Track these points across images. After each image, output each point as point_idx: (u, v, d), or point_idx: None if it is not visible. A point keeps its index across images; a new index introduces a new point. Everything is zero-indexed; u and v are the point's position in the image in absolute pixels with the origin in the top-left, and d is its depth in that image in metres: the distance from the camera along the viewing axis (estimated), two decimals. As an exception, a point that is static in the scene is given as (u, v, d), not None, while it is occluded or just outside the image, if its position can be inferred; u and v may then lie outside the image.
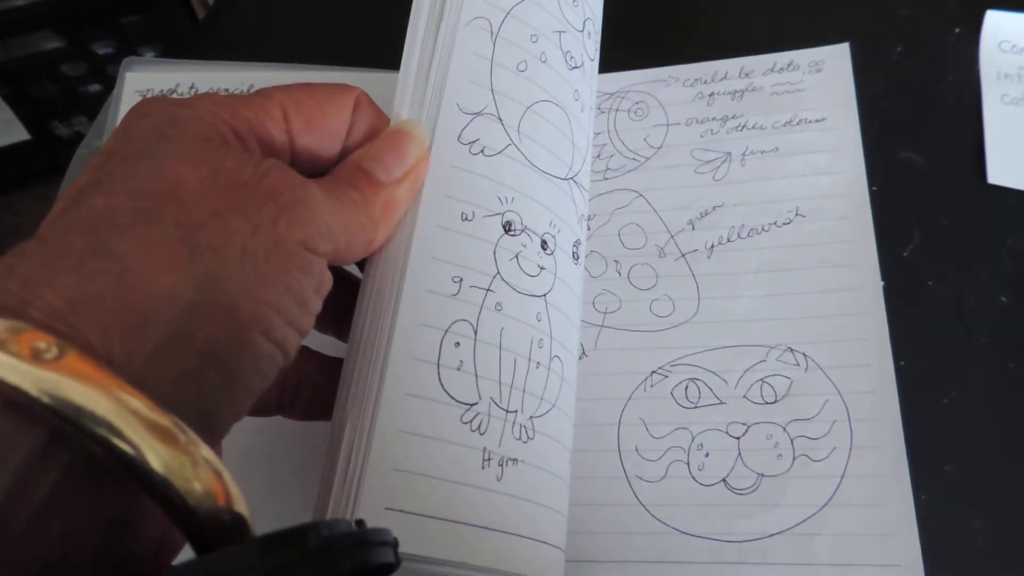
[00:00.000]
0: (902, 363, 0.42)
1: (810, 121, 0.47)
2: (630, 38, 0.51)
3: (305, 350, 0.32)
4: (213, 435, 0.24)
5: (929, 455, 0.41)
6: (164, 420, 0.20)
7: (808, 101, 0.48)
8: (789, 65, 0.49)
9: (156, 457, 0.20)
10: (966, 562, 0.39)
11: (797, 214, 0.44)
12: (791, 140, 0.46)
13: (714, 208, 0.45)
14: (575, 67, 0.36)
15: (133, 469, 0.20)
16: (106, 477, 0.21)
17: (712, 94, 0.48)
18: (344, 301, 0.30)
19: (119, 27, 0.81)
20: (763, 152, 0.46)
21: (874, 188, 0.47)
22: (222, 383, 0.23)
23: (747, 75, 0.49)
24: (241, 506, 0.21)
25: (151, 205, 0.23)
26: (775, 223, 0.44)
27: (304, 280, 0.25)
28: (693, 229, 0.45)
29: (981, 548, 0.39)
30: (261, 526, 0.21)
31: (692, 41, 0.52)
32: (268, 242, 0.24)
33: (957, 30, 0.51)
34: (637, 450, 0.40)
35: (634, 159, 0.47)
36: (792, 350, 0.41)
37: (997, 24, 0.50)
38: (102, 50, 0.86)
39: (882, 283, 0.44)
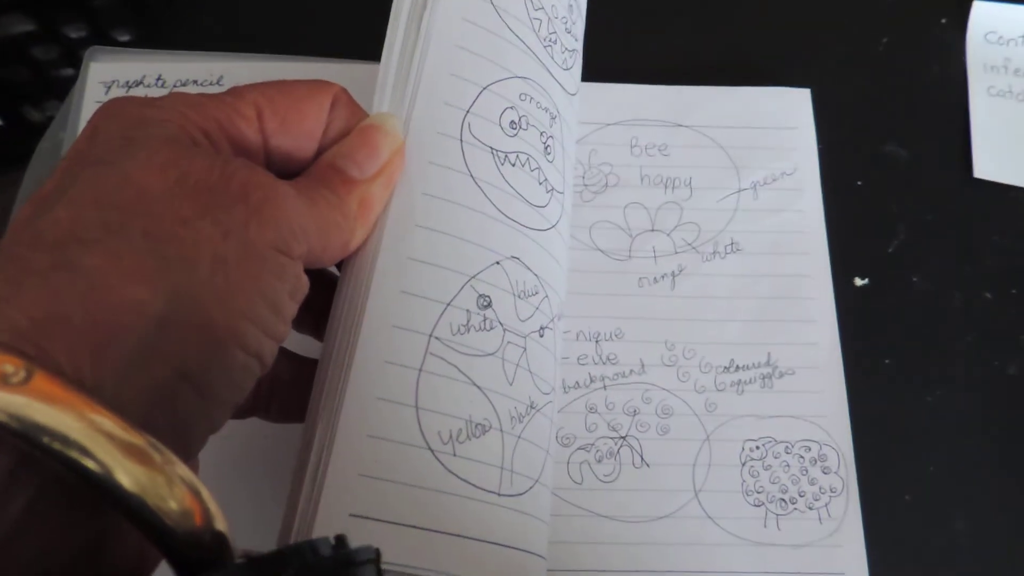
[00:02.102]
0: (887, 361, 0.42)
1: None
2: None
3: (281, 351, 0.31)
4: (189, 450, 0.23)
5: (913, 454, 0.40)
6: (138, 440, 0.19)
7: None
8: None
9: (130, 478, 0.19)
10: (950, 561, 0.38)
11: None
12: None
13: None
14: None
15: (107, 492, 0.19)
16: (79, 498, 0.20)
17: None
18: (324, 302, 0.29)
19: (91, 10, 0.80)
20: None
21: (859, 183, 0.46)
22: (197, 397, 0.23)
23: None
24: (220, 523, 0.20)
25: (117, 216, 0.22)
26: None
27: (278, 285, 0.24)
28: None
29: (964, 548, 0.39)
30: (238, 531, 0.21)
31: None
32: (239, 247, 0.23)
33: (943, 20, 0.50)
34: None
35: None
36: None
37: (984, 14, 0.49)
38: (74, 33, 0.85)
39: (865, 281, 0.44)
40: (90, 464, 0.19)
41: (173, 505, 0.19)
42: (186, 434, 0.23)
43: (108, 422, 0.19)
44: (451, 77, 0.30)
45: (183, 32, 0.50)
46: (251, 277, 0.23)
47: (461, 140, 0.30)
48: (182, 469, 0.20)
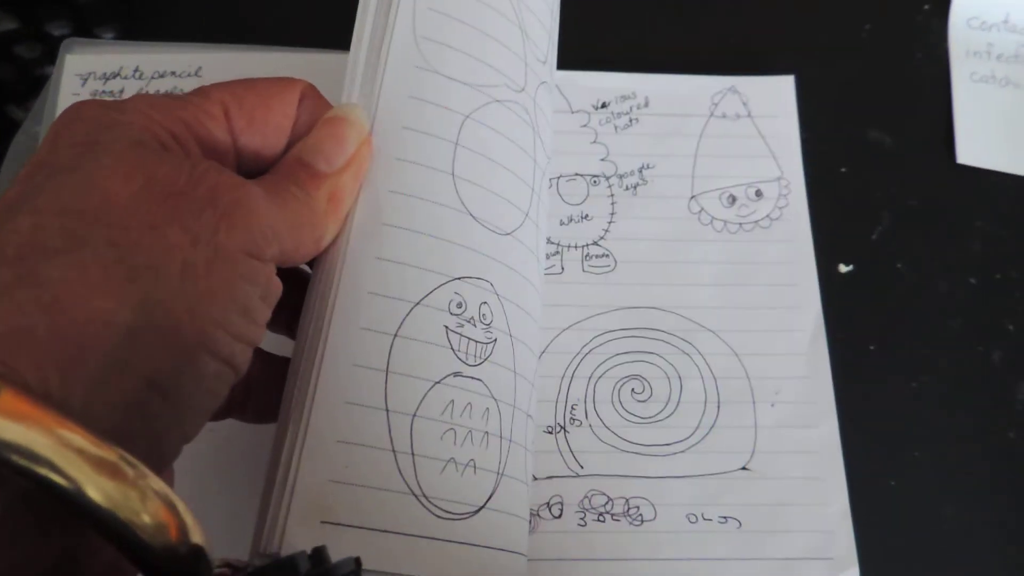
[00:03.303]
0: (871, 347, 0.42)
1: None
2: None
3: (256, 351, 0.31)
4: (163, 461, 0.23)
5: (898, 440, 0.40)
6: (109, 454, 0.19)
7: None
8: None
9: (101, 494, 0.19)
10: (935, 545, 0.38)
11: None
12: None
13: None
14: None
15: (78, 508, 0.19)
16: (50, 514, 0.20)
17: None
18: (297, 300, 0.29)
19: (74, 7, 0.79)
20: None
21: (843, 170, 0.46)
22: (169, 409, 0.22)
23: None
24: (197, 536, 0.20)
25: (82, 225, 0.22)
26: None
27: (250, 290, 0.24)
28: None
29: (950, 532, 0.39)
30: (219, 533, 0.21)
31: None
32: (209, 253, 0.23)
33: (926, 7, 0.50)
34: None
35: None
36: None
37: (966, 0, 0.49)
38: (57, 31, 0.84)
39: (850, 267, 0.44)
40: (60, 480, 0.18)
41: (147, 519, 0.19)
42: (159, 445, 0.22)
43: (78, 437, 0.19)
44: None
45: (167, 29, 0.50)
46: (222, 283, 0.23)
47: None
48: (156, 482, 0.20)
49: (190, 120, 0.26)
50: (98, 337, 0.20)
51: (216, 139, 0.26)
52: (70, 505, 0.19)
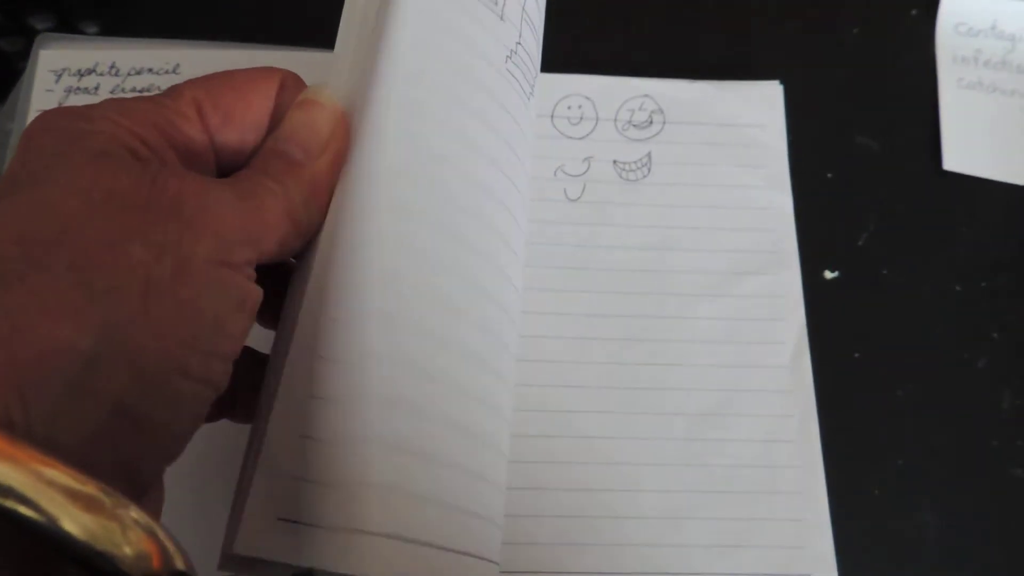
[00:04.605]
0: (856, 355, 0.42)
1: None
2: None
3: (246, 350, 0.30)
4: (141, 486, 0.22)
5: (882, 449, 0.40)
6: (85, 486, 0.18)
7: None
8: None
9: (78, 527, 0.18)
10: (918, 555, 0.38)
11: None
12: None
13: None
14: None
15: (54, 543, 0.18)
16: (28, 550, 0.19)
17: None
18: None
19: (58, 1, 0.79)
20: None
21: (829, 175, 0.46)
22: (139, 434, 0.21)
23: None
24: (180, 562, 0.19)
25: (41, 250, 0.21)
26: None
27: (221, 302, 0.23)
28: None
29: (933, 541, 0.38)
30: (212, 538, 0.21)
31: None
32: (175, 267, 0.22)
33: (914, 12, 0.50)
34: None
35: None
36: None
37: (953, 6, 0.49)
38: (40, 25, 0.84)
39: (835, 274, 0.43)
40: (34, 515, 0.18)
41: (128, 551, 0.18)
42: (135, 471, 0.21)
43: (51, 471, 0.18)
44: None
45: (153, 25, 0.49)
46: (189, 298, 0.22)
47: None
48: (135, 511, 0.19)
49: (162, 123, 0.24)
50: (59, 365, 0.20)
51: (191, 139, 0.25)
52: (45, 540, 0.18)
